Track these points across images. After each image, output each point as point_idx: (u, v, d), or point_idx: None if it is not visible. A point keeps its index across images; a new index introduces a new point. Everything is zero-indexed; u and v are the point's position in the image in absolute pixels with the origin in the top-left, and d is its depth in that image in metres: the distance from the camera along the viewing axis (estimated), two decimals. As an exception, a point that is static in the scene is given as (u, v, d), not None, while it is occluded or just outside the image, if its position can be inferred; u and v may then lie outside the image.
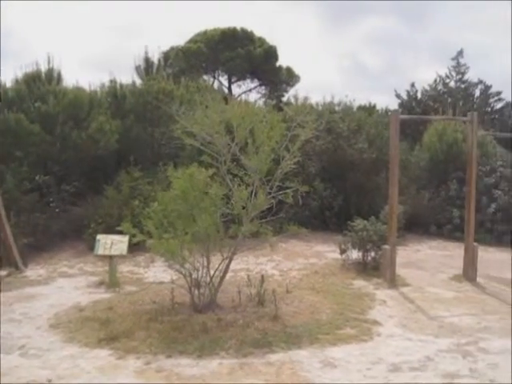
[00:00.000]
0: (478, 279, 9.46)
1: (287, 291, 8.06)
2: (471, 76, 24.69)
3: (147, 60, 17.05)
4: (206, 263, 6.99)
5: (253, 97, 28.01)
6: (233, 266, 7.72)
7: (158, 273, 9.48)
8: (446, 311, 7.51)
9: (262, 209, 7.08)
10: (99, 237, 9.07)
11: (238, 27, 27.21)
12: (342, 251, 10.05)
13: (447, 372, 5.28)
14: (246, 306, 7.19)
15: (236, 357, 5.55)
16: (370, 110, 19.43)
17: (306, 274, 9.45)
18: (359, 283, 8.93)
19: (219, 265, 7.16)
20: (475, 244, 9.61)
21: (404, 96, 24.48)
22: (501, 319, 7.17)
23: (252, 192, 7.05)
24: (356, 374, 5.20)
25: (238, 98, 21.67)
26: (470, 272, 9.49)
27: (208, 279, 7.04)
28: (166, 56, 22.67)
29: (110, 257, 8.78)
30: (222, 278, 7.23)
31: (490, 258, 11.64)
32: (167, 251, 6.61)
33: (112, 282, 8.64)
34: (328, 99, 16.41)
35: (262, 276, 7.81)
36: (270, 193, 7.17)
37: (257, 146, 7.10)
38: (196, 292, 7.04)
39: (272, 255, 10.75)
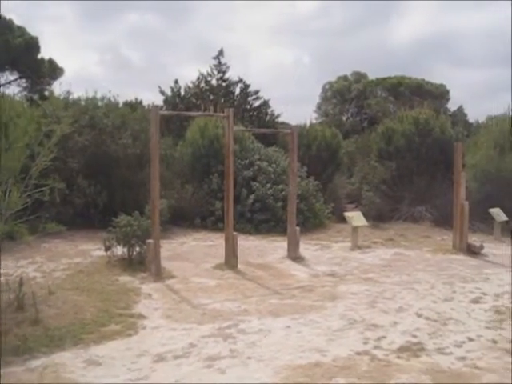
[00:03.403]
0: (239, 266, 10.01)
1: (50, 293, 7.71)
2: (232, 75, 25.84)
3: None
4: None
5: (13, 90, 26.25)
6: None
7: None
8: (209, 299, 7.82)
9: (16, 208, 6.69)
10: None
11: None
12: (107, 248, 9.91)
13: (210, 355, 5.52)
14: (3, 313, 6.75)
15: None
16: (135, 105, 19.42)
17: (71, 274, 9.14)
18: (125, 279, 8.89)
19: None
20: (235, 233, 10.16)
21: (168, 92, 24.82)
22: (258, 301, 7.70)
23: (6, 191, 6.62)
24: (121, 368, 5.19)
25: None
26: (231, 260, 10.01)
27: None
28: None
29: None
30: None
31: (250, 245, 12.41)
32: None
33: None
34: (91, 94, 16.01)
35: (21, 278, 7.37)
36: (25, 191, 6.81)
37: (10, 143, 6.68)
38: None
39: (34, 257, 10.25)
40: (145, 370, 5.16)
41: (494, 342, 6.09)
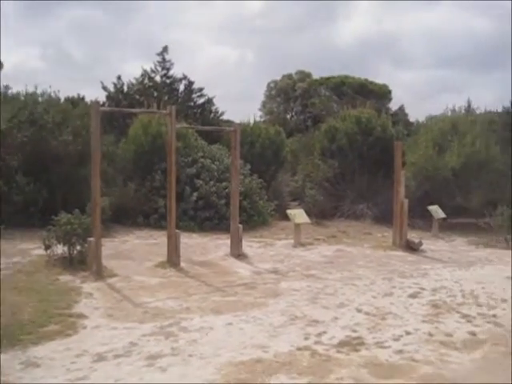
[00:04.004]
0: (182, 264, 9.98)
1: (-15, 294, 7.52)
2: (176, 72, 25.64)
3: None
4: None
5: None
6: None
7: None
8: (151, 297, 7.77)
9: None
10: None
11: None
12: (47, 247, 9.70)
13: (151, 354, 5.49)
14: None
15: None
16: (77, 101, 19.03)
17: (9, 274, 8.91)
18: (65, 278, 8.74)
19: None
20: (177, 231, 10.12)
21: (111, 88, 24.43)
22: (200, 299, 7.70)
23: None
24: (60, 369, 5.10)
25: None
26: (174, 258, 9.97)
27: None
28: None
29: None
30: None
31: (194, 243, 12.37)
32: None
33: None
34: (31, 89, 15.61)
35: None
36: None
37: None
38: None
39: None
40: (84, 370, 5.08)
41: (431, 335, 6.27)
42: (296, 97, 41.93)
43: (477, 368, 5.30)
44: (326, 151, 19.39)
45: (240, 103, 52.51)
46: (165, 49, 25.35)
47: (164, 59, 25.42)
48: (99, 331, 6.25)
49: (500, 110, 20.08)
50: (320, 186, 18.16)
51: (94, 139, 9.06)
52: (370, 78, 41.02)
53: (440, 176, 16.17)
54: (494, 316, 7.11)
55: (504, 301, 7.89)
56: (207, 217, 14.66)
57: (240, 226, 11.27)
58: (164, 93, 24.46)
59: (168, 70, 25.54)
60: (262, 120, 34.81)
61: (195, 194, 14.72)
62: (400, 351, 5.69)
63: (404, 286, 8.77)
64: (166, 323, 6.54)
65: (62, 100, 17.09)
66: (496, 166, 16.32)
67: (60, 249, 9.77)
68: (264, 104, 44.85)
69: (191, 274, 9.40)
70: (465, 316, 7.08)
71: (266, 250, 12.08)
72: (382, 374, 5.06)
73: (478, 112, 20.54)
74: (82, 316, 6.78)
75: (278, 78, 44.52)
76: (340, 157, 18.77)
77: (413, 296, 8.11)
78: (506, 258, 11.50)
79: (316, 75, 42.45)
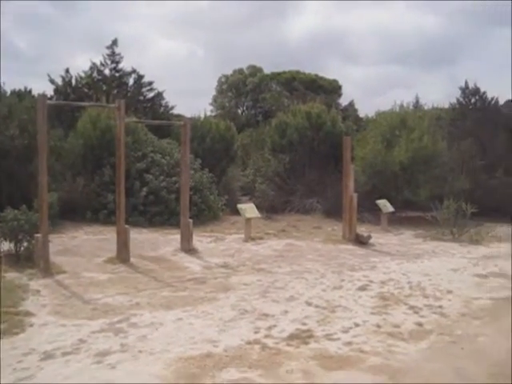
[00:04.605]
0: (132, 259, 9.90)
1: None
2: (126, 65, 25.28)
3: None
4: None
5: None
6: None
7: None
8: (100, 293, 7.68)
9: None
10: None
11: None
12: (-8, 244, 9.49)
13: (100, 351, 5.43)
14: None
15: None
16: (23, 94, 18.57)
17: (-49, 272, 8.68)
18: (12, 275, 8.53)
19: None
20: (127, 226, 10.02)
21: (59, 82, 23.93)
22: (150, 294, 7.66)
23: None
24: (6, 368, 4.98)
25: None
26: (123, 254, 9.87)
27: None
28: None
29: None
30: None
31: (144, 238, 12.28)
32: None
33: None
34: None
35: None
36: None
37: None
38: None
39: None
40: (32, 368, 4.99)
41: (379, 326, 6.40)
42: (247, 92, 41.99)
43: (422, 357, 5.44)
44: (277, 146, 19.50)
45: (191, 98, 52.32)
46: (114, 42, 24.96)
47: (113, 52, 25.02)
48: (47, 329, 6.14)
49: (447, 106, 20.60)
50: (271, 181, 18.27)
51: (41, 133, 8.89)
52: (321, 74, 41.43)
53: (388, 170, 16.47)
54: (440, 307, 7.29)
55: (449, 292, 8.11)
56: (157, 212, 14.56)
57: (190, 220, 11.23)
58: (113, 86, 24.09)
59: (117, 63, 25.16)
60: (214, 115, 34.78)
61: (145, 189, 14.60)
62: (349, 343, 5.79)
63: (353, 279, 8.90)
64: (115, 319, 6.48)
65: (9, 93, 16.67)
66: (443, 161, 16.71)
67: (6, 245, 9.56)
68: (215, 99, 44.74)
69: (141, 270, 9.32)
70: (412, 307, 7.24)
71: (216, 244, 12.09)
72: (331, 366, 5.14)
73: (426, 108, 21.02)
74: (28, 314, 6.64)
75: (230, 72, 44.52)
76: (290, 152, 18.92)
77: (362, 289, 8.25)
78: (452, 250, 11.83)
79: (267, 70, 42.64)
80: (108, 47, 24.89)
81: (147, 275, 8.92)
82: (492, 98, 19.27)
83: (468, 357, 5.46)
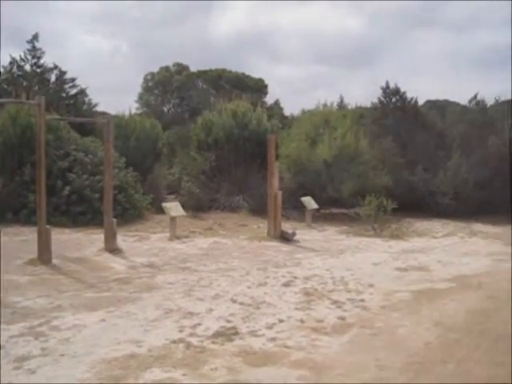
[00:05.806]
0: (54, 261, 9.66)
1: None
2: (47, 61, 24.61)
3: None
4: None
5: None
6: None
7: None
8: (20, 296, 7.46)
9: None
10: None
11: None
12: None
13: (19, 356, 5.27)
14: None
15: None
16: None
17: None
18: None
19: None
20: (48, 227, 9.77)
21: (-24, 77, 23.05)
22: (73, 296, 7.50)
23: None
24: None
25: None
26: (45, 255, 9.61)
27: None
28: None
29: None
30: None
31: (66, 239, 12.03)
32: None
33: None
34: None
35: None
36: None
37: None
38: None
39: None
40: None
41: (302, 321, 6.52)
42: (173, 89, 41.73)
43: (344, 350, 5.58)
44: (203, 144, 19.50)
45: (116, 95, 51.43)
46: (35, 36, 24.26)
47: (34, 47, 24.32)
48: (-39, 335, 5.92)
49: (369, 105, 21.13)
50: (196, 179, 18.24)
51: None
52: (247, 73, 41.67)
53: (312, 168, 16.74)
54: (362, 300, 7.50)
55: (371, 286, 8.34)
56: (80, 211, 14.25)
57: (114, 220, 11.06)
58: (34, 83, 23.44)
59: (38, 58, 24.48)
60: (139, 112, 34.35)
61: (67, 188, 14.25)
62: (273, 339, 5.87)
63: (278, 275, 9.02)
64: (35, 323, 6.31)
65: None
66: (365, 159, 17.13)
67: None
68: (141, 96, 44.24)
69: (63, 271, 9.12)
70: (335, 302, 7.40)
71: (141, 243, 11.97)
72: (256, 362, 5.20)
73: (349, 107, 21.50)
74: None
75: (156, 70, 44.10)
76: (216, 150, 18.96)
77: (286, 285, 8.37)
78: (374, 245, 12.18)
79: (193, 68, 42.50)
80: (28, 42, 24.19)
81: (70, 276, 8.74)
82: (411, 98, 19.89)
83: (388, 348, 5.64)
